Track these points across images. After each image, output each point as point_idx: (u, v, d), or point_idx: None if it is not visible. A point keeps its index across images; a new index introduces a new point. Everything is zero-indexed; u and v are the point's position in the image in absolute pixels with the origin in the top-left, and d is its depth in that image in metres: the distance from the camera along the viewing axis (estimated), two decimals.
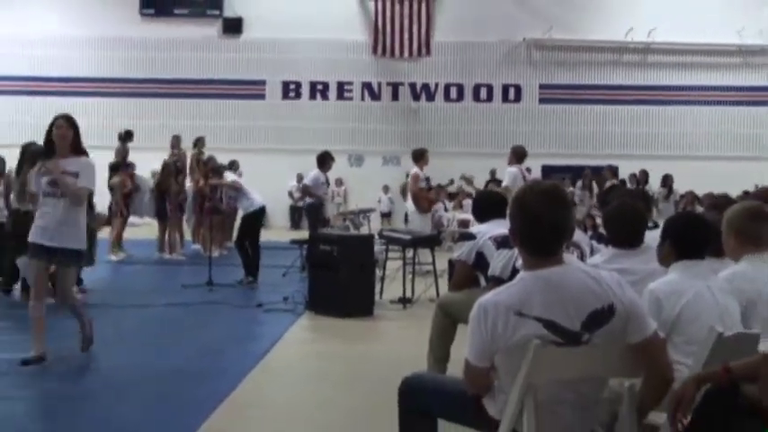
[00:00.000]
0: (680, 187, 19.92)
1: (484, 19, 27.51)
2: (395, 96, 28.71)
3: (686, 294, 4.08)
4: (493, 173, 22.55)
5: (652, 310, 3.88)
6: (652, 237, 4.70)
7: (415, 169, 14.85)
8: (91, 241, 11.22)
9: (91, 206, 12.33)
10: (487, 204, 7.08)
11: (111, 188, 15.84)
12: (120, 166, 16.14)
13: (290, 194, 24.96)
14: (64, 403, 6.04)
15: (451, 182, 18.17)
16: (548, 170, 24.93)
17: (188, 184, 16.99)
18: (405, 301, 11.12)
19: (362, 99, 28.68)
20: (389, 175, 27.68)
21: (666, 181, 20.27)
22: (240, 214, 14.27)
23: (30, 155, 11.21)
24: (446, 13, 28.12)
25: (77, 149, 7.33)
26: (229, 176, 14.66)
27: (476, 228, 6.99)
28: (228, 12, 28.47)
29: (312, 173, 14.35)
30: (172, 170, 16.55)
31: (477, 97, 28.67)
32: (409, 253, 11.86)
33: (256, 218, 13.35)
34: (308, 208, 14.68)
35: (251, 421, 5.96)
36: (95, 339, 8.81)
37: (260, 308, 10.67)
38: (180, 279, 12.89)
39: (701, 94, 27.92)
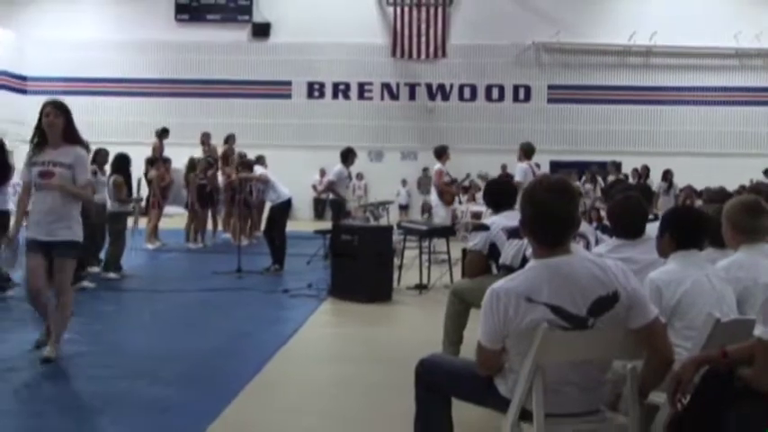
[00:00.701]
0: (679, 181, 19.76)
1: (496, 23, 27.46)
2: (412, 96, 28.68)
3: (685, 283, 4.07)
4: (504, 168, 22.48)
5: (653, 297, 3.86)
6: (653, 228, 4.68)
7: (438, 165, 14.91)
8: (93, 233, 11.17)
9: (129, 193, 12.44)
10: (499, 195, 7.06)
11: (150, 181, 15.91)
12: (157, 161, 16.21)
13: (314, 188, 24.96)
14: (104, 382, 6.05)
15: (468, 176, 18.14)
16: (555, 166, 24.85)
17: (219, 178, 17.02)
18: (421, 288, 11.12)
19: (382, 99, 28.67)
20: (407, 169, 27.71)
21: (667, 176, 20.10)
22: (268, 206, 14.30)
23: None
24: (460, 18, 28.08)
25: (71, 138, 6.46)
26: (258, 170, 14.68)
27: (489, 219, 6.97)
28: (257, 17, 28.51)
29: (336, 168, 14.35)
30: (203, 165, 16.58)
31: (489, 97, 28.61)
32: (425, 242, 11.88)
33: (283, 209, 13.36)
34: (333, 202, 14.73)
35: (278, 397, 5.98)
36: (133, 322, 8.92)
37: (286, 293, 10.67)
38: (211, 266, 12.90)
39: (700, 94, 27.78)
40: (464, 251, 9.16)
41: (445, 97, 28.64)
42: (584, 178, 20.23)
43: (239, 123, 24.24)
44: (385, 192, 24.09)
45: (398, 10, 28.20)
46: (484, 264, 6.58)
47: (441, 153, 14.99)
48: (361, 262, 10.26)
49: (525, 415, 3.44)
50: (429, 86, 28.60)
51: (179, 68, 28.29)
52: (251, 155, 15.96)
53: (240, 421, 5.32)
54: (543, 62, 28.36)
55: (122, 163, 12.27)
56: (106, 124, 26.73)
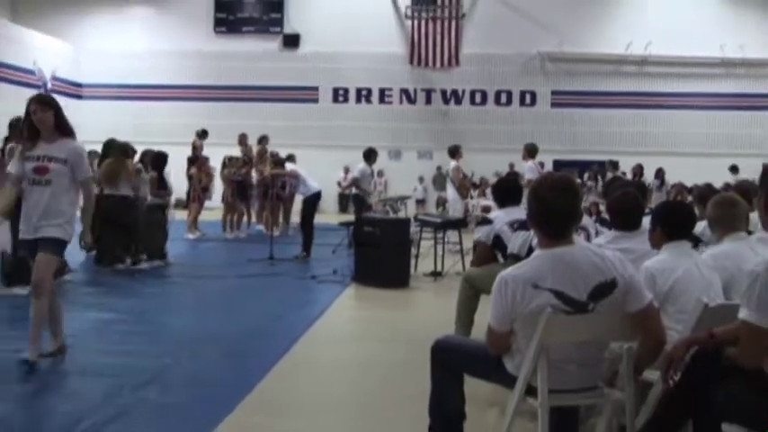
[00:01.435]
0: (671, 179, 19.63)
1: (504, 35, 27.38)
2: (428, 101, 28.63)
3: (677, 271, 4.07)
4: (512, 166, 22.41)
5: (647, 284, 3.85)
6: (648, 221, 4.67)
7: (454, 162, 14.96)
8: (133, 226, 11.22)
9: (165, 188, 12.44)
10: (505, 192, 7.06)
11: (190, 177, 15.96)
12: (197, 159, 16.27)
13: (339, 184, 24.98)
14: (151, 357, 6.09)
15: (473, 174, 18.11)
16: (558, 164, 24.96)
17: (253, 174, 17.05)
18: (436, 275, 11.13)
19: (401, 103, 28.62)
20: (423, 167, 27.66)
21: (659, 174, 19.95)
22: (299, 199, 14.33)
23: (113, 150, 11.35)
24: (472, 30, 27.98)
25: (63, 130, 5.78)
26: (289, 166, 14.71)
27: (493, 214, 6.99)
28: (288, 29, 28.54)
29: (360, 166, 14.35)
30: (239, 163, 16.64)
31: (498, 102, 28.52)
32: (440, 234, 11.88)
33: (313, 201, 13.38)
34: (355, 196, 14.73)
35: (306, 374, 5.99)
36: (176, 304, 8.94)
37: (313, 279, 10.70)
38: (246, 254, 12.95)
39: (690, 99, 27.62)
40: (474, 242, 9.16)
41: (458, 102, 28.58)
42: (586, 176, 20.16)
43: (270, 125, 24.21)
44: (403, 187, 24.13)
45: (416, 23, 28.14)
46: (489, 254, 6.62)
47: (454, 152, 15.01)
48: (381, 251, 10.28)
49: (531, 390, 3.46)
50: (443, 92, 28.54)
51: (217, 75, 28.37)
52: (281, 154, 15.99)
53: (273, 393, 5.35)
54: (547, 70, 28.25)
55: (158, 160, 12.38)
56: (152, 126, 26.94)
